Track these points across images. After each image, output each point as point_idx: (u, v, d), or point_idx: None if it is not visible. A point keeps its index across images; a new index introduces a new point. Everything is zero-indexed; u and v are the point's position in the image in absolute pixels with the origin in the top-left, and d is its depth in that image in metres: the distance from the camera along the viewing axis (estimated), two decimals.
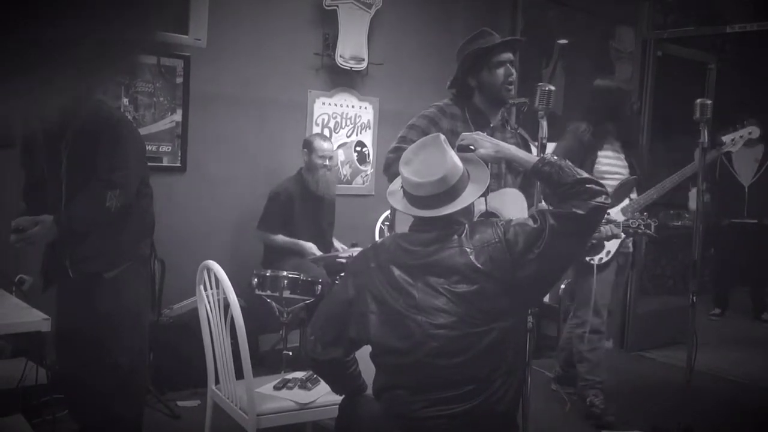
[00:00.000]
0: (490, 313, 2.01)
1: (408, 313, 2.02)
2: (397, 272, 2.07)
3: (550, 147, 3.79)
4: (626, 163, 3.93)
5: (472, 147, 2.35)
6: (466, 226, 2.09)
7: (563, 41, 6.53)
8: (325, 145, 4.56)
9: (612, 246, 3.79)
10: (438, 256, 2.04)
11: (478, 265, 1.99)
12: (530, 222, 2.05)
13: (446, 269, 2.02)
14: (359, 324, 2.12)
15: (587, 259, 3.79)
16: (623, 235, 3.11)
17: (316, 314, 2.33)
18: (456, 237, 2.05)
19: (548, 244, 1.99)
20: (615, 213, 3.66)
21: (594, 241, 3.75)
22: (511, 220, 2.12)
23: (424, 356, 2.00)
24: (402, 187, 2.15)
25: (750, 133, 3.85)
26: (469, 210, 2.15)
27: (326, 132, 5.10)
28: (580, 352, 3.99)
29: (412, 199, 2.11)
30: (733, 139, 3.81)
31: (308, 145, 4.57)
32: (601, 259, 3.82)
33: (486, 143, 2.37)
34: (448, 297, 2.00)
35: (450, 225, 2.08)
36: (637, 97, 4.95)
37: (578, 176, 2.07)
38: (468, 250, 2.02)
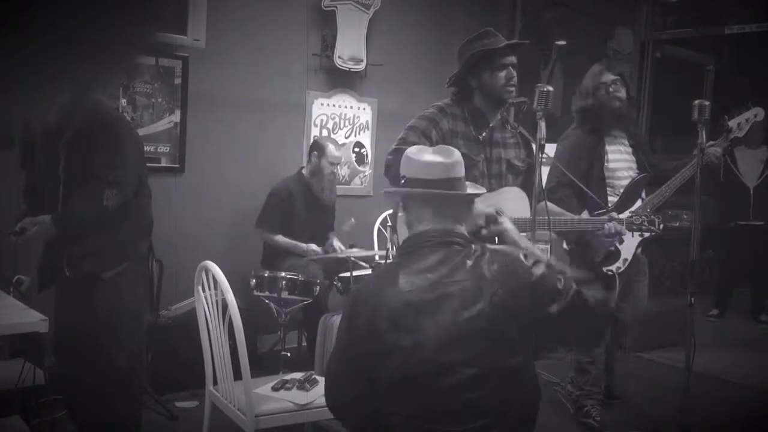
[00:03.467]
0: (505, 348, 1.87)
1: (416, 351, 1.86)
2: (402, 310, 1.89)
3: (549, 148, 3.76)
4: (634, 158, 3.77)
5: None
6: (481, 249, 1.92)
7: (562, 42, 6.53)
8: (338, 152, 4.52)
9: (628, 253, 3.66)
10: (448, 289, 1.86)
11: (496, 299, 1.83)
12: (559, 283, 1.88)
13: (458, 302, 1.85)
14: (368, 363, 1.96)
15: (605, 269, 3.64)
16: (626, 232, 3.04)
17: (329, 363, 2.13)
18: (469, 263, 1.87)
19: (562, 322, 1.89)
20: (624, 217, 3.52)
21: (612, 249, 3.68)
22: (545, 261, 1.93)
23: (435, 392, 1.87)
24: (404, 180, 2.00)
25: (756, 116, 3.66)
26: (472, 214, 2.06)
27: (325, 132, 5.10)
28: (581, 362, 3.87)
29: (428, 184, 1.95)
30: (739, 123, 3.63)
31: (320, 149, 4.47)
32: (619, 268, 3.66)
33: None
34: (461, 333, 1.84)
35: (453, 243, 1.92)
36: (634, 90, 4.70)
37: (603, 315, 1.96)
38: (486, 275, 1.85)
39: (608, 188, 3.67)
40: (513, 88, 2.86)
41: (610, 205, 3.59)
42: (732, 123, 3.63)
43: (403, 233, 2.29)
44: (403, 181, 2.01)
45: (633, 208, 3.57)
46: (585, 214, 3.49)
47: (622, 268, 3.68)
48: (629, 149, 3.79)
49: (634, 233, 3.13)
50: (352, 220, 4.59)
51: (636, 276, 3.88)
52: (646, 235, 3.25)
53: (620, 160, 3.74)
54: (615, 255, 3.65)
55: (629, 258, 3.68)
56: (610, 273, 3.65)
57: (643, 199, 3.67)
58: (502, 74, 2.82)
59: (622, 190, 3.67)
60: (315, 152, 4.50)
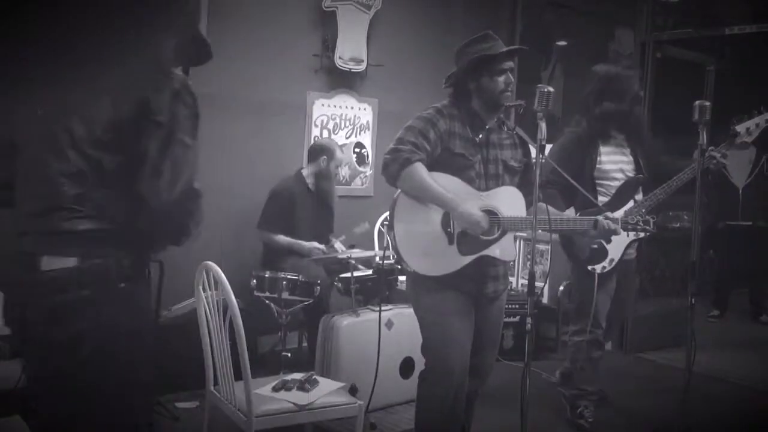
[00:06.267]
0: None
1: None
2: None
3: (548, 148, 3.75)
4: (631, 159, 3.71)
5: None
6: None
7: (562, 43, 6.54)
8: (344, 156, 4.60)
9: (616, 253, 3.62)
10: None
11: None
12: None
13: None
14: None
15: (589, 267, 3.63)
16: (621, 232, 3.02)
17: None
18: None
19: None
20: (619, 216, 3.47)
21: (595, 246, 3.64)
22: None
23: None
24: None
25: (767, 121, 3.48)
26: None
27: (325, 133, 5.10)
28: (577, 360, 3.87)
29: None
30: (748, 128, 3.47)
31: (329, 153, 4.52)
32: (604, 267, 3.64)
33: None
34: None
35: None
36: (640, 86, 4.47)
37: None
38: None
39: (599, 188, 3.65)
40: (510, 93, 2.89)
41: (600, 205, 3.53)
42: (740, 128, 3.49)
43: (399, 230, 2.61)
44: None
45: (624, 209, 3.54)
46: (570, 212, 3.50)
47: (608, 268, 3.65)
48: (626, 150, 3.74)
49: (629, 233, 3.11)
50: (367, 224, 4.64)
51: (616, 281, 3.80)
52: (641, 235, 3.21)
53: (614, 162, 3.69)
54: (601, 254, 3.62)
55: (616, 259, 3.65)
56: (594, 271, 3.64)
57: (636, 201, 3.63)
58: (501, 79, 2.84)
59: (614, 191, 3.65)
60: (324, 156, 4.51)
